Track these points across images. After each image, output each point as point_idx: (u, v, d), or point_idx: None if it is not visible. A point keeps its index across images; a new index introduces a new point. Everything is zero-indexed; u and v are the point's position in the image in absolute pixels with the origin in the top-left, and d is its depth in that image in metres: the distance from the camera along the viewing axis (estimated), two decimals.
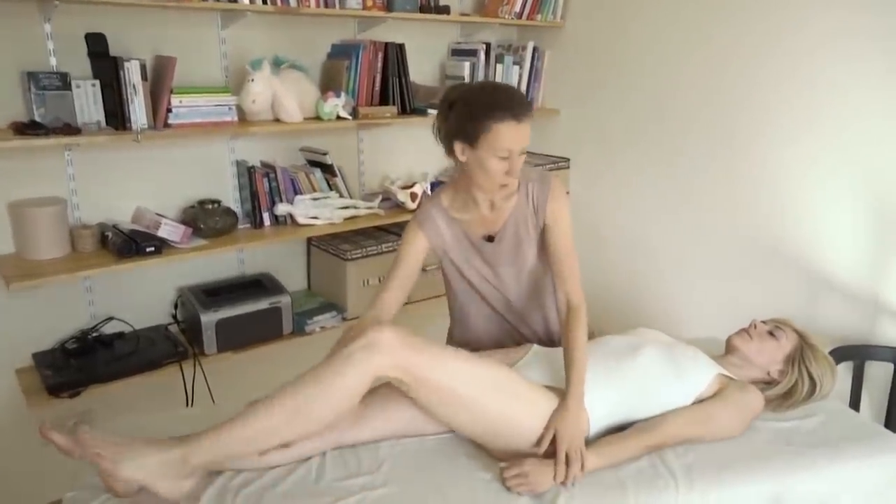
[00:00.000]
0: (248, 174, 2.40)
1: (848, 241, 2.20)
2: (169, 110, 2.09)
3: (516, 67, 3.00)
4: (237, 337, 2.32)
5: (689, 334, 2.14)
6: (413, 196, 2.69)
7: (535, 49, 3.02)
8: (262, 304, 2.36)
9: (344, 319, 2.59)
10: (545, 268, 1.68)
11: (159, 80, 2.11)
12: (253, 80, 2.20)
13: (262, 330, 2.38)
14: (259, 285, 2.48)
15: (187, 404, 2.28)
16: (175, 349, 2.23)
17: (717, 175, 2.55)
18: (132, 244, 2.06)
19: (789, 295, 2.36)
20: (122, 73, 1.98)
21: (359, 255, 2.58)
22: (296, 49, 2.50)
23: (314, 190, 2.55)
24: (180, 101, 2.10)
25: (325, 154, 2.55)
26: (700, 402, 1.53)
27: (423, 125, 2.84)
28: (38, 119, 1.94)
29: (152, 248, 2.09)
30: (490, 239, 1.65)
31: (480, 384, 1.39)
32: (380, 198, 2.70)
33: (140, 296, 2.35)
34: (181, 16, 2.23)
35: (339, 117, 2.43)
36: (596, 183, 3.02)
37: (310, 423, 1.34)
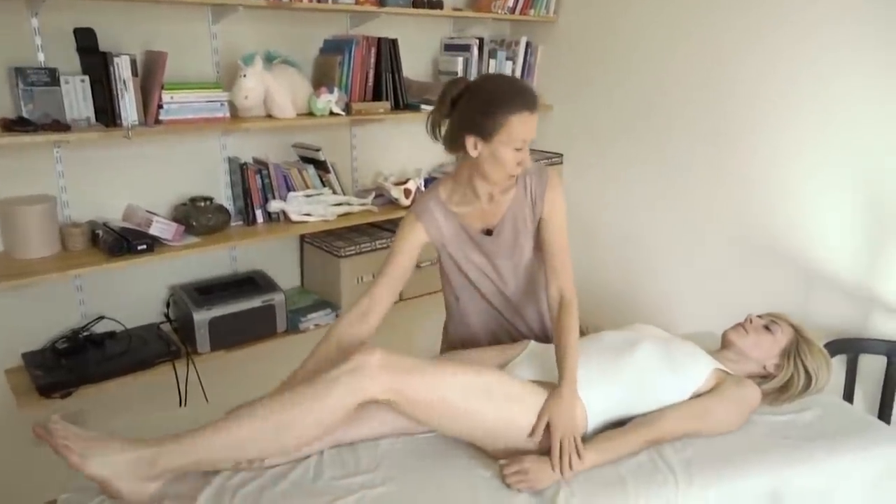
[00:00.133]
0: (240, 171, 2.38)
1: (841, 235, 2.21)
2: (160, 106, 2.07)
3: (509, 63, 2.99)
4: (230, 335, 2.30)
5: (684, 329, 2.14)
6: (407, 192, 2.67)
7: (528, 44, 3.02)
8: (256, 302, 2.35)
9: (338, 317, 2.57)
10: (542, 262, 1.68)
11: (150, 75, 2.08)
12: (245, 75, 2.18)
13: (256, 328, 2.36)
14: (252, 283, 2.46)
15: (180, 404, 2.25)
16: (168, 348, 2.20)
17: (711, 170, 2.56)
18: (123, 242, 2.03)
19: (783, 289, 2.37)
20: (111, 68, 1.96)
21: (352, 252, 2.56)
22: (288, 44, 2.48)
23: (307, 186, 2.53)
24: (171, 97, 2.08)
25: (317, 150, 2.53)
26: (697, 396, 1.52)
27: (417, 121, 2.84)
28: (25, 115, 1.91)
29: (144, 247, 2.06)
30: (488, 232, 1.64)
31: (473, 394, 1.39)
32: (373, 194, 2.68)
33: (131, 294, 2.33)
34: (171, 10, 2.20)
35: (332, 113, 2.41)
36: (589, 178, 3.02)
37: (290, 442, 1.32)
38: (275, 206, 2.41)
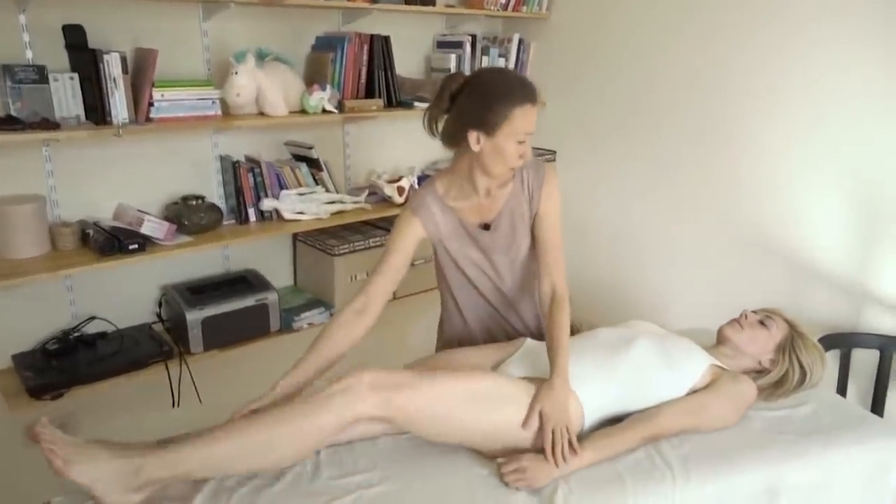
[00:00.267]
0: (232, 169, 2.36)
1: (833, 231, 2.23)
2: (151, 104, 2.05)
3: (502, 60, 2.99)
4: (223, 335, 2.28)
5: (678, 326, 2.15)
6: (400, 190, 2.66)
7: (520, 41, 3.01)
8: (249, 302, 2.33)
9: (332, 315, 2.56)
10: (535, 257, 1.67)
11: (140, 73, 2.06)
12: (237, 72, 2.16)
13: (249, 327, 2.34)
14: (245, 282, 2.44)
15: (173, 405, 2.24)
16: (160, 348, 2.18)
17: (704, 166, 2.56)
18: (115, 242, 2.01)
19: (776, 284, 2.38)
20: (101, 65, 1.93)
21: (346, 251, 2.55)
22: (279, 41, 2.46)
23: (300, 185, 2.51)
24: (162, 95, 2.06)
25: (310, 148, 2.52)
26: (694, 392, 1.53)
27: (410, 118, 2.83)
28: (14, 114, 1.88)
29: (135, 246, 2.04)
30: (486, 227, 1.63)
31: (465, 403, 1.38)
32: (366, 192, 2.67)
33: (123, 294, 2.30)
34: (162, 7, 2.18)
35: (324, 111, 2.39)
36: (582, 175, 3.02)
37: (277, 459, 1.30)
38: (267, 204, 2.39)
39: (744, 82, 2.37)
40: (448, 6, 2.83)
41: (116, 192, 2.22)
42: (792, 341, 1.66)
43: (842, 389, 2.12)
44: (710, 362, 1.57)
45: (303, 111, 2.38)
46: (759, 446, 1.45)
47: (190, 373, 2.23)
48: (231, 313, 2.28)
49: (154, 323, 2.35)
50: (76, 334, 2.17)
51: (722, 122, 2.47)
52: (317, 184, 2.56)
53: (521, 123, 1.45)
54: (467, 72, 2.88)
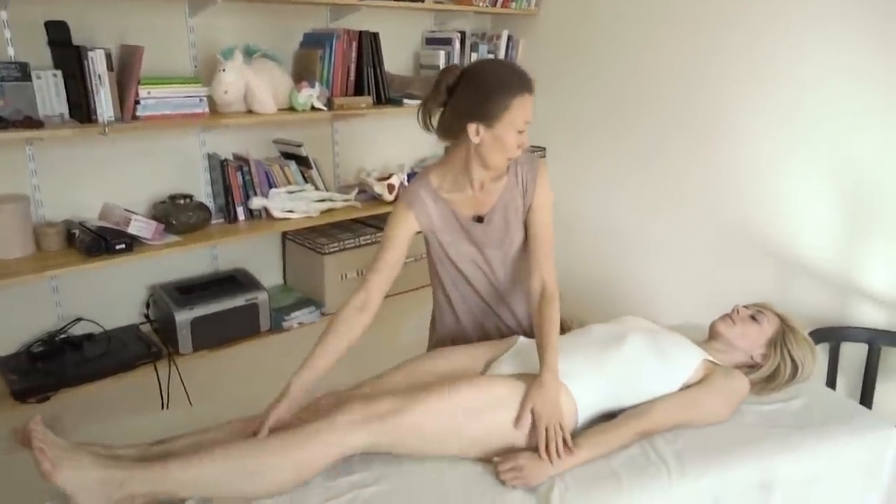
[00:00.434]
0: (220, 167, 2.33)
1: (821, 226, 2.24)
2: (137, 102, 2.02)
3: (491, 56, 2.98)
4: (213, 335, 2.26)
5: (669, 321, 2.15)
6: (390, 188, 2.65)
7: (509, 37, 3.01)
8: (239, 301, 2.31)
9: (322, 315, 2.54)
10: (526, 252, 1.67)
11: (126, 70, 2.03)
12: (224, 69, 2.13)
13: (239, 327, 2.32)
14: (234, 282, 2.42)
15: (163, 406, 2.21)
16: (148, 349, 2.16)
17: (693, 163, 2.57)
18: (101, 242, 1.98)
19: (765, 279, 2.40)
20: (86, 62, 1.90)
21: (336, 249, 2.53)
22: (267, 38, 2.43)
23: (289, 183, 2.49)
24: (149, 93, 2.03)
25: (299, 146, 2.50)
26: (687, 387, 1.53)
27: (399, 116, 2.82)
28: None
29: (123, 246, 2.01)
30: (479, 219, 1.63)
31: (455, 417, 1.37)
32: (356, 190, 2.66)
33: (110, 295, 2.27)
34: (147, 3, 2.15)
35: (313, 108, 2.37)
36: (572, 172, 3.02)
37: (262, 488, 1.28)
38: (256, 203, 2.37)
39: (728, 75, 2.38)
40: (437, 2, 2.82)
41: (102, 191, 2.19)
42: (783, 336, 1.67)
43: (831, 383, 2.14)
44: (702, 357, 1.58)
45: (291, 109, 2.36)
46: (752, 440, 1.46)
47: (179, 374, 2.20)
48: (220, 313, 2.26)
49: (142, 324, 2.32)
50: (62, 336, 2.14)
51: (709, 118, 2.48)
52: (306, 182, 2.54)
53: (520, 113, 1.45)
54: None
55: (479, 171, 1.56)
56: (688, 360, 1.56)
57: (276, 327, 2.42)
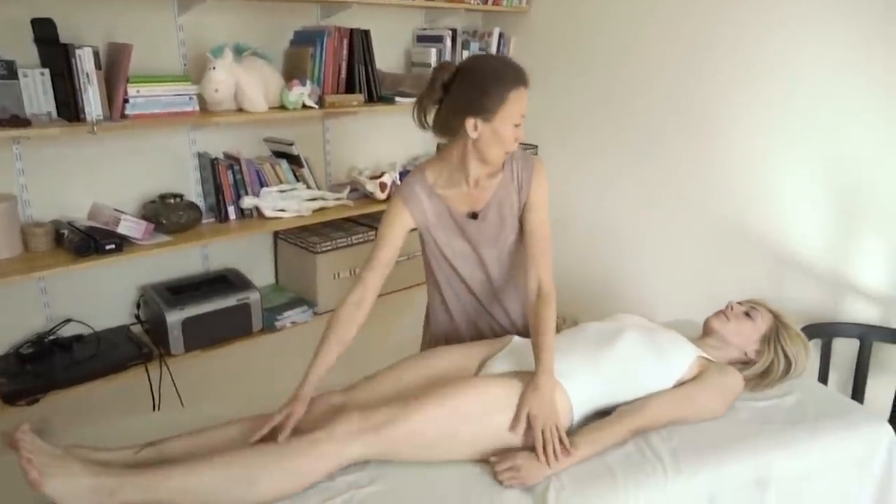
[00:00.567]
0: (210, 166, 2.31)
1: (814, 222, 2.25)
2: (126, 100, 1.99)
3: (482, 53, 2.97)
4: (205, 336, 2.24)
5: (662, 318, 2.16)
6: (382, 186, 2.64)
7: (500, 35, 3.00)
8: (230, 301, 2.29)
9: (315, 314, 2.53)
10: (523, 250, 1.67)
11: (114, 68, 2.00)
12: (214, 68, 2.11)
13: (231, 327, 2.31)
14: (225, 281, 2.40)
15: (154, 408, 2.19)
16: (139, 350, 2.14)
17: (685, 160, 2.58)
18: (90, 242, 1.96)
19: (758, 275, 2.41)
20: (73, 60, 1.87)
21: (329, 248, 2.52)
22: (257, 36, 2.41)
23: (280, 182, 2.48)
24: (138, 91, 2.00)
25: (290, 144, 2.48)
26: (681, 384, 1.53)
27: (391, 114, 2.81)
28: None
29: (112, 246, 1.99)
30: (474, 216, 1.62)
31: (451, 423, 1.37)
32: (348, 188, 2.64)
33: (99, 296, 2.25)
34: (135, 1, 2.12)
35: (304, 106, 2.36)
36: (564, 169, 3.01)
37: (258, 497, 1.27)
38: (248, 202, 2.35)
39: (720, 71, 2.39)
40: (427, 0, 2.81)
41: (91, 191, 2.16)
42: (777, 332, 1.67)
43: (823, 378, 2.15)
44: (696, 354, 1.58)
45: (282, 107, 2.34)
46: (747, 437, 1.46)
47: (171, 375, 2.18)
48: (212, 313, 2.24)
49: (132, 324, 2.30)
50: (51, 337, 2.12)
51: (701, 114, 2.49)
52: (298, 180, 2.52)
53: (516, 106, 1.46)
54: None
55: (475, 166, 1.56)
56: (682, 357, 1.56)
57: (269, 327, 2.41)
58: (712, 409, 1.52)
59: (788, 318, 1.71)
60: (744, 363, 1.68)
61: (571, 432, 1.42)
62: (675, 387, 1.53)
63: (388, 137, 2.90)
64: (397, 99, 2.62)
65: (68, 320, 2.17)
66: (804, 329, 2.08)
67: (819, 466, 1.47)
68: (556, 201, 3.00)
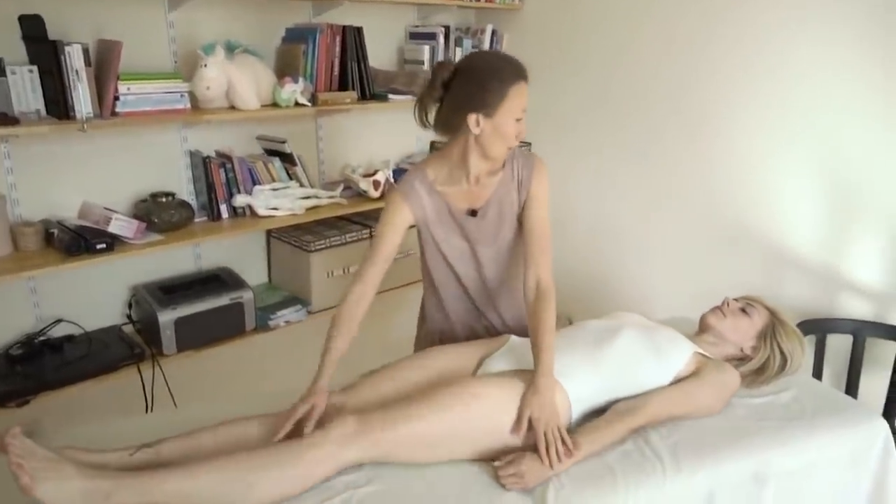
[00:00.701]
0: (202, 164, 2.29)
1: (808, 220, 2.26)
2: (116, 98, 1.97)
3: (475, 51, 2.96)
4: (198, 335, 2.21)
5: (657, 315, 2.16)
6: (375, 184, 2.62)
7: (493, 32, 2.99)
8: (223, 300, 2.27)
9: (309, 313, 2.51)
10: (522, 248, 1.66)
11: (104, 65, 1.97)
12: (206, 65, 2.09)
13: (224, 327, 2.29)
14: (218, 280, 2.38)
15: (147, 409, 2.17)
16: (131, 350, 2.11)
17: (679, 156, 2.58)
18: (81, 241, 1.93)
19: (753, 272, 2.41)
20: (62, 58, 1.84)
21: (322, 246, 2.50)
22: (248, 33, 2.39)
23: (273, 180, 2.45)
24: (128, 88, 1.98)
25: (283, 142, 2.46)
26: (679, 381, 1.53)
27: (384, 111, 2.80)
28: None
29: (103, 245, 1.97)
30: (473, 213, 1.62)
31: (452, 423, 1.36)
32: (341, 186, 2.62)
33: (90, 296, 2.22)
34: None
35: (297, 104, 2.34)
36: (559, 168, 2.99)
37: (258, 500, 1.26)
38: (240, 200, 2.33)
39: (717, 69, 2.39)
40: None
41: (81, 189, 2.14)
42: (773, 328, 1.68)
43: (818, 374, 2.15)
44: (694, 350, 1.58)
45: (275, 105, 2.32)
46: (745, 434, 1.46)
47: (163, 375, 2.16)
48: (205, 313, 2.22)
49: (124, 324, 2.28)
50: (42, 338, 2.09)
51: (698, 112, 2.48)
52: (290, 179, 2.50)
53: (517, 101, 1.48)
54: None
55: (477, 163, 1.55)
56: (680, 354, 1.56)
57: (262, 326, 2.39)
58: (710, 406, 1.52)
59: (784, 314, 1.71)
60: (740, 359, 1.68)
61: (570, 431, 1.41)
62: (672, 384, 1.53)
63: (382, 135, 2.89)
64: (390, 96, 2.60)
65: (59, 320, 2.14)
66: (799, 325, 2.08)
67: (817, 462, 1.48)
68: (552, 200, 2.99)
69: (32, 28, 1.89)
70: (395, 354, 1.67)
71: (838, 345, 2.18)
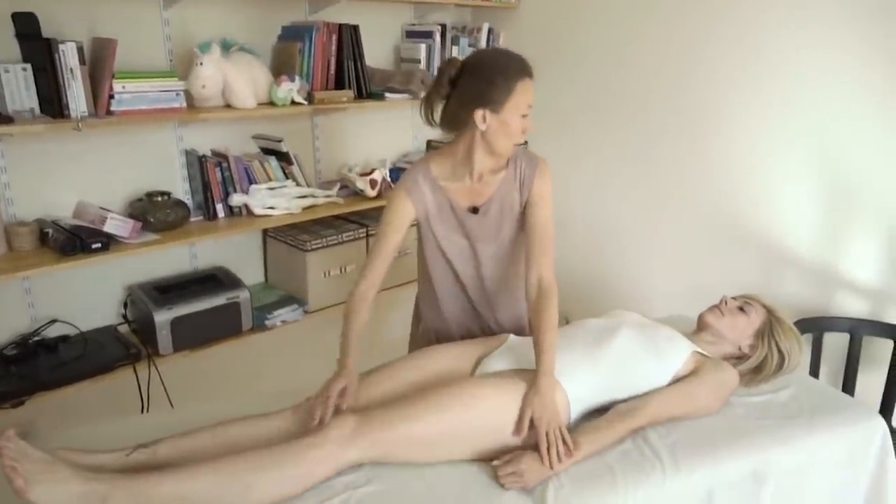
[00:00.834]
0: (198, 164, 2.27)
1: (806, 219, 2.26)
2: (111, 96, 1.95)
3: (472, 49, 2.95)
4: (194, 335, 2.20)
5: (655, 314, 2.16)
6: (372, 183, 2.61)
7: (490, 30, 2.99)
8: (220, 300, 2.26)
9: (306, 312, 2.50)
10: (522, 252, 1.65)
11: (99, 63, 1.96)
12: (201, 63, 2.08)
13: (221, 327, 2.27)
14: (214, 280, 2.37)
15: (143, 409, 2.16)
16: (127, 351, 2.10)
17: (678, 155, 2.58)
18: (76, 241, 1.92)
19: (750, 271, 2.41)
20: (57, 56, 1.83)
21: (319, 246, 2.49)
22: (244, 31, 2.38)
23: (269, 179, 2.44)
24: (123, 87, 1.96)
25: (279, 141, 2.45)
26: (678, 380, 1.53)
27: (380, 110, 2.79)
28: None
29: (98, 245, 1.95)
30: (475, 210, 1.62)
31: (451, 423, 1.36)
32: (338, 186, 2.61)
33: (85, 296, 2.21)
34: None
35: (293, 102, 2.32)
36: (557, 166, 2.96)
37: (257, 501, 1.25)
38: (236, 199, 2.31)
39: (717, 68, 2.39)
40: None
41: (76, 189, 2.12)
42: (771, 327, 1.68)
43: (814, 372, 2.16)
44: (692, 349, 1.58)
45: (271, 103, 2.31)
46: (744, 432, 1.46)
47: (160, 375, 2.15)
48: (201, 313, 2.20)
49: (120, 324, 2.26)
50: (36, 338, 2.08)
51: (696, 111, 2.48)
52: (287, 178, 2.49)
53: (523, 97, 1.49)
54: (438, 62, 2.84)
55: (482, 159, 1.56)
56: (678, 353, 1.56)
57: (259, 326, 2.38)
58: (709, 405, 1.53)
59: (782, 312, 1.71)
60: (738, 358, 1.68)
61: (569, 430, 1.41)
62: (671, 383, 1.53)
63: (378, 134, 2.88)
64: (387, 95, 2.60)
65: (54, 321, 2.13)
66: (796, 324, 2.08)
67: (815, 460, 1.48)
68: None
69: (26, 26, 1.88)
70: (391, 354, 1.67)
71: (835, 343, 2.18)
